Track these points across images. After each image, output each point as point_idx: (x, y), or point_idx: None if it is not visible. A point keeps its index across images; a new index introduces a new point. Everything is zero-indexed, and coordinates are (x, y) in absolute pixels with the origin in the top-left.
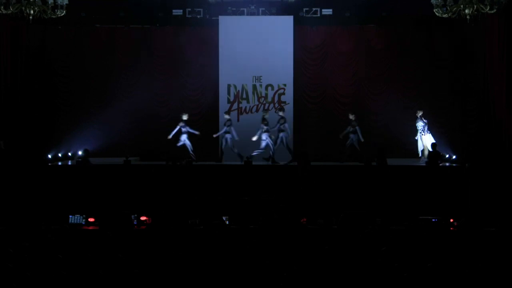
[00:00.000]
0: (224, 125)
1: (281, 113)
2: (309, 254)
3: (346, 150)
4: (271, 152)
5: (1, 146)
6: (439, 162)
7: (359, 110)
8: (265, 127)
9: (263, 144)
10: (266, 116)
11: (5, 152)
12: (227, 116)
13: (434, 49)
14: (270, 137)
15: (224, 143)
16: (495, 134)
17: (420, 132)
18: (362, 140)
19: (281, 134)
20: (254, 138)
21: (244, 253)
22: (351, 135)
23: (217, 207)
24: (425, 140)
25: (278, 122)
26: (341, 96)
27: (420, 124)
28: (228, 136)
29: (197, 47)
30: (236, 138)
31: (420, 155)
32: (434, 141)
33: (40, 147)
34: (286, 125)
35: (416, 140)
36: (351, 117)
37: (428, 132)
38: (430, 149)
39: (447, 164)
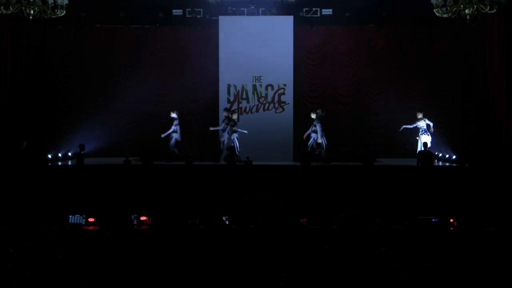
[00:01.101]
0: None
1: (318, 113)
2: (309, 254)
3: (314, 150)
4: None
5: (23, 146)
6: (431, 161)
7: (359, 110)
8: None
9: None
10: (323, 115)
11: (27, 152)
12: (174, 115)
13: (434, 49)
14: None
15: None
16: (495, 134)
17: (422, 132)
18: (320, 141)
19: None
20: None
21: (244, 253)
22: (313, 135)
23: (217, 207)
24: (423, 141)
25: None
26: (341, 96)
27: (421, 125)
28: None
29: (197, 47)
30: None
31: None
32: (429, 141)
33: (40, 147)
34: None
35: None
36: (313, 115)
37: (427, 133)
38: (422, 149)
39: (447, 164)
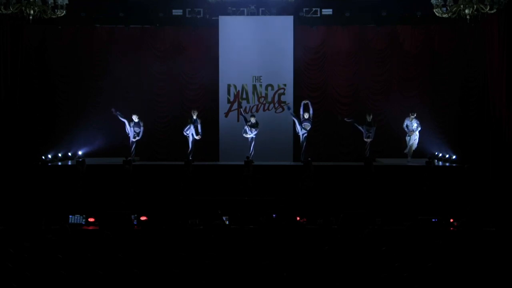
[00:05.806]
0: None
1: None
2: (309, 254)
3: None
4: None
5: None
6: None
7: (359, 110)
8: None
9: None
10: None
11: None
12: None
13: (434, 49)
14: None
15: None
16: (495, 134)
17: (410, 132)
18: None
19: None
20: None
21: (244, 253)
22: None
23: (217, 207)
24: (411, 141)
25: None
26: (341, 96)
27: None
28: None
29: (197, 47)
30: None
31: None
32: (416, 142)
33: (40, 147)
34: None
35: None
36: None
37: (415, 134)
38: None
39: (447, 164)
